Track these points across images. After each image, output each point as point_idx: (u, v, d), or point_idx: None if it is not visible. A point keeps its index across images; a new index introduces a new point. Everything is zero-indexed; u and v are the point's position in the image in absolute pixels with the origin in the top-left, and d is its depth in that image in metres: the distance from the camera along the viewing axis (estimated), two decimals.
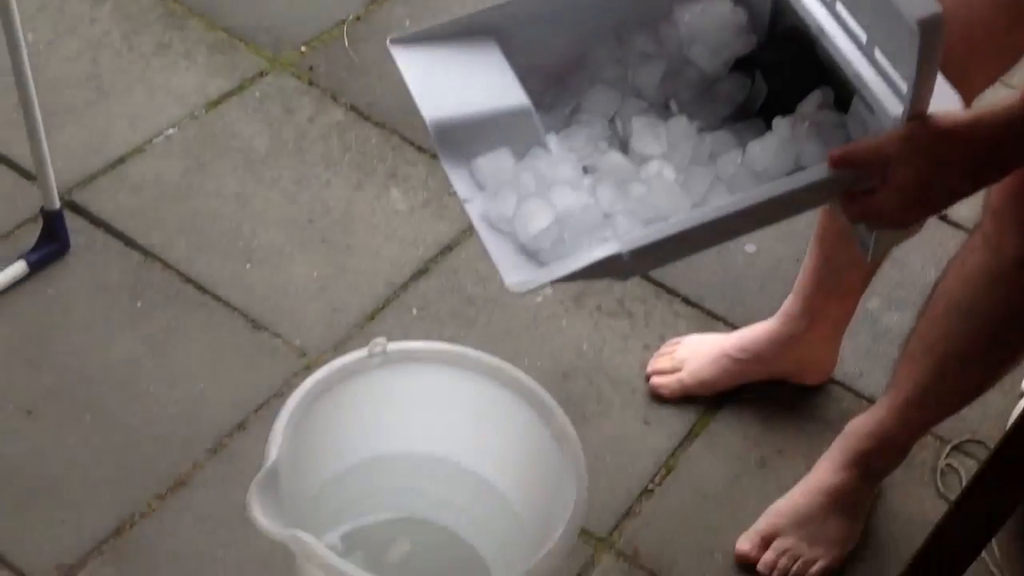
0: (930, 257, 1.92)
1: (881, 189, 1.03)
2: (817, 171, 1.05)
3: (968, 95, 1.16)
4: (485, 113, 1.12)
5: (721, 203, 1.06)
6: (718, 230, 1.06)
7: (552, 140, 1.14)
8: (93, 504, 1.45)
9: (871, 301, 1.89)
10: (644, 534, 1.54)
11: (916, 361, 1.46)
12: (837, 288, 1.62)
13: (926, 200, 1.04)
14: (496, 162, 1.11)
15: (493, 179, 1.10)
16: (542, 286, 1.04)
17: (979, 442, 1.75)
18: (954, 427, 1.74)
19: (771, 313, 1.71)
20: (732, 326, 1.81)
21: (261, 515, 1.12)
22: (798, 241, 1.87)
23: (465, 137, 1.11)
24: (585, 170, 1.13)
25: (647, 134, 1.14)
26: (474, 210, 1.08)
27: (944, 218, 1.98)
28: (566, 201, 1.07)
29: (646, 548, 1.53)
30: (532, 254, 1.06)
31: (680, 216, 1.05)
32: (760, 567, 1.52)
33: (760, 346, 1.70)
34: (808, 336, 1.68)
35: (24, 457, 1.48)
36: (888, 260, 1.64)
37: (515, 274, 1.03)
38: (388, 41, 1.14)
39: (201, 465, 1.51)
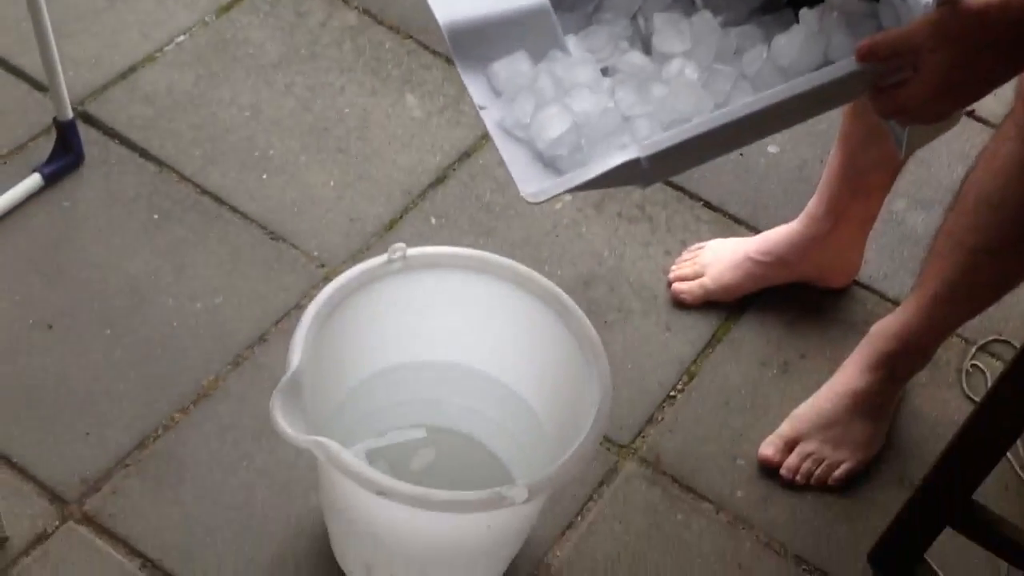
0: (957, 155, 1.89)
1: (912, 81, 0.98)
2: (844, 65, 1.01)
3: None
4: (501, 14, 1.08)
5: (743, 102, 1.02)
6: (740, 131, 1.02)
7: (571, 41, 1.11)
8: (116, 417, 1.45)
9: (896, 202, 1.87)
10: (666, 441, 1.54)
11: (944, 258, 1.44)
12: (862, 188, 1.60)
13: (960, 89, 0.99)
14: (513, 66, 1.07)
15: (510, 84, 1.06)
16: (558, 195, 1.01)
17: (1005, 342, 1.73)
18: (980, 327, 1.72)
19: (794, 216, 1.68)
20: (755, 230, 1.79)
21: (284, 422, 1.12)
22: (822, 141, 1.84)
23: (481, 40, 1.08)
24: (605, 72, 1.09)
25: (669, 31, 1.10)
26: (490, 117, 1.05)
27: (972, 114, 1.94)
28: (584, 105, 1.04)
29: (668, 455, 1.53)
30: (549, 161, 1.03)
31: (701, 118, 1.02)
32: (783, 471, 1.52)
33: (783, 249, 1.68)
34: (832, 238, 1.65)
35: (46, 372, 1.48)
36: (913, 159, 1.61)
37: (531, 184, 1.00)
38: None
39: (223, 378, 1.51)
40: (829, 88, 1.01)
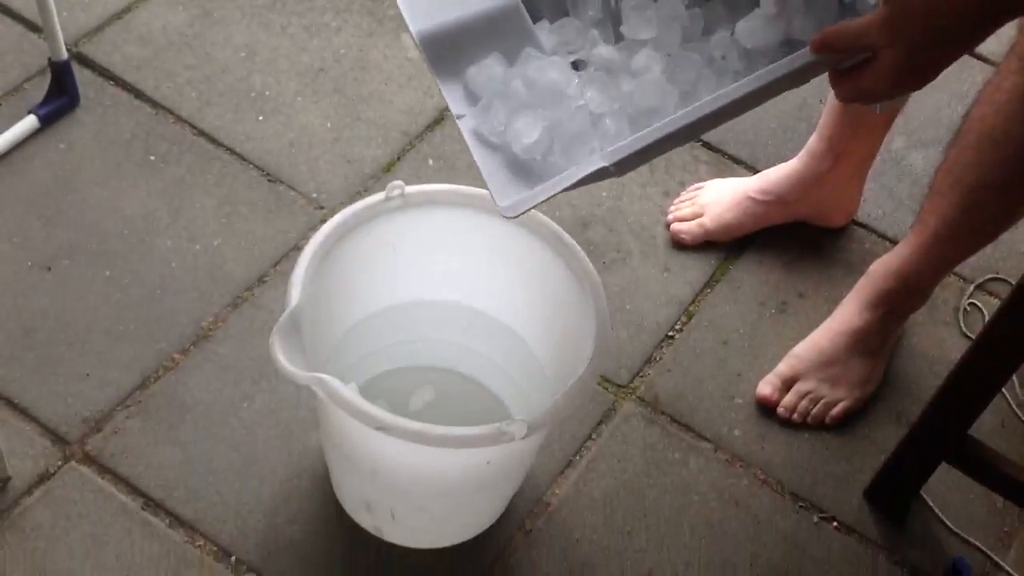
0: (957, 95, 1.88)
1: (868, 70, 0.98)
2: (801, 55, 1.01)
3: None
4: (473, 17, 1.10)
5: (703, 101, 1.04)
6: (700, 127, 1.05)
7: (544, 32, 1.12)
8: (117, 358, 1.45)
9: (896, 141, 1.86)
10: (665, 381, 1.55)
11: (944, 195, 1.44)
12: (861, 126, 1.59)
13: (916, 76, 0.99)
14: (487, 71, 1.09)
15: (485, 89, 1.09)
16: (532, 207, 1.04)
17: (1003, 280, 1.74)
18: (978, 265, 1.72)
19: (793, 155, 1.68)
20: (754, 169, 1.78)
21: (283, 359, 1.12)
22: (822, 80, 1.83)
23: (455, 46, 1.10)
24: (576, 66, 1.12)
25: (636, 19, 1.12)
26: (466, 126, 1.08)
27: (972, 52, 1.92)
28: (556, 110, 1.07)
29: (667, 394, 1.53)
30: (524, 165, 1.06)
31: (663, 119, 1.04)
32: (780, 410, 1.53)
33: (782, 187, 1.68)
34: (831, 176, 1.65)
35: (46, 313, 1.48)
36: (913, 98, 1.60)
37: (506, 196, 1.04)
38: None
39: (223, 319, 1.51)
40: (786, 79, 1.02)
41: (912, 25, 0.95)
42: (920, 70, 0.98)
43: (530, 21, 1.11)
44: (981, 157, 1.37)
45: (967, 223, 1.42)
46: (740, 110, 1.04)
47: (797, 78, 1.03)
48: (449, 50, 1.10)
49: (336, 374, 1.15)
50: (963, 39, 0.97)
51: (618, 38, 1.13)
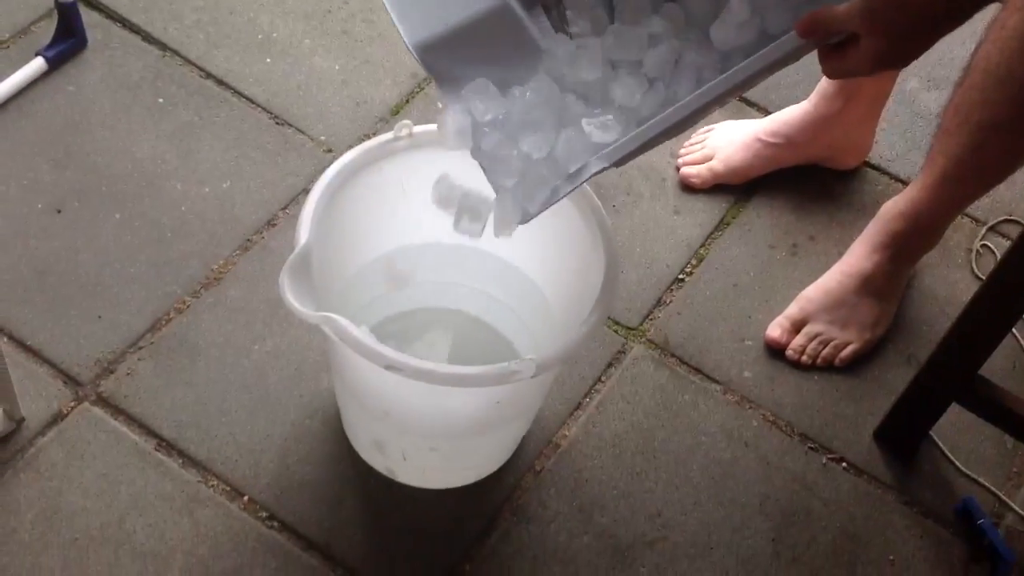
0: (970, 34, 1.82)
1: (852, 53, 0.98)
2: (786, 42, 1.01)
3: None
4: (468, 22, 1.10)
5: (696, 93, 1.06)
6: (693, 120, 1.07)
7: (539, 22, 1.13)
8: (128, 300, 1.46)
9: (909, 81, 1.85)
10: (675, 323, 1.55)
11: (952, 134, 1.42)
12: None
13: (901, 58, 1.00)
14: (484, 100, 1.11)
15: (482, 115, 1.11)
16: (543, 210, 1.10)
17: (1015, 221, 1.73)
18: (990, 207, 1.72)
19: (805, 97, 1.67)
20: (765, 111, 1.77)
21: (293, 298, 1.11)
22: None
23: (454, 52, 1.10)
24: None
25: (625, 39, 1.13)
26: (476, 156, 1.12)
27: None
28: (549, 140, 1.11)
29: (677, 337, 1.53)
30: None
31: (656, 118, 1.06)
32: (790, 351, 1.53)
33: (793, 129, 1.67)
34: (843, 117, 1.64)
35: (57, 256, 1.48)
36: None
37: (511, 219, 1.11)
38: None
39: (233, 262, 1.51)
40: (774, 65, 1.04)
41: (890, 17, 0.95)
42: (901, 54, 0.99)
43: (525, 16, 1.11)
44: (987, 96, 1.35)
45: (975, 162, 1.41)
46: (729, 99, 1.07)
47: (783, 62, 1.04)
48: (447, 57, 1.11)
49: (346, 315, 1.15)
50: (941, 26, 0.97)
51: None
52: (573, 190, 1.09)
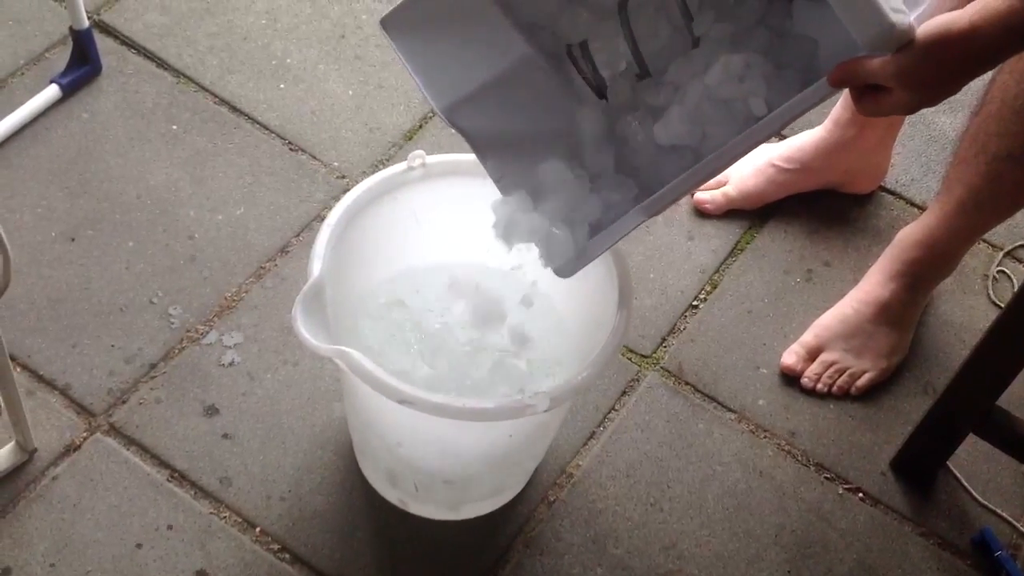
0: None
1: (885, 98, 0.98)
2: (818, 90, 1.01)
3: None
4: (492, 77, 1.11)
5: (729, 142, 1.06)
6: (726, 165, 1.08)
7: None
8: (141, 329, 1.46)
9: None
10: (689, 350, 1.54)
11: (968, 164, 1.42)
12: None
13: (936, 100, 0.99)
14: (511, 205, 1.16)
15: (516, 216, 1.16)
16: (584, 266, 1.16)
17: None
18: (1007, 232, 1.70)
19: (819, 122, 1.66)
20: (780, 136, 1.76)
21: (306, 332, 1.11)
22: None
23: (481, 110, 1.12)
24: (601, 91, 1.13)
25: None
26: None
27: None
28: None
29: (691, 364, 1.53)
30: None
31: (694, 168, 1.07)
32: (805, 380, 1.52)
33: (807, 155, 1.66)
34: (858, 143, 1.63)
35: (70, 284, 1.48)
36: None
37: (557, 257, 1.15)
38: (380, 22, 1.11)
39: (246, 289, 1.51)
40: (801, 111, 1.03)
41: (922, 72, 0.94)
42: (934, 100, 0.98)
43: (548, 66, 1.12)
44: (1004, 127, 1.35)
45: (991, 192, 1.40)
46: (760, 143, 1.06)
47: (811, 107, 1.03)
48: (475, 115, 1.12)
49: (361, 343, 1.15)
50: (973, 74, 0.96)
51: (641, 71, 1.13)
52: (614, 243, 1.13)
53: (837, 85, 0.98)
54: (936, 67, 0.93)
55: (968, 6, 0.92)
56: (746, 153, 1.07)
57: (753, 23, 1.08)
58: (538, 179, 1.16)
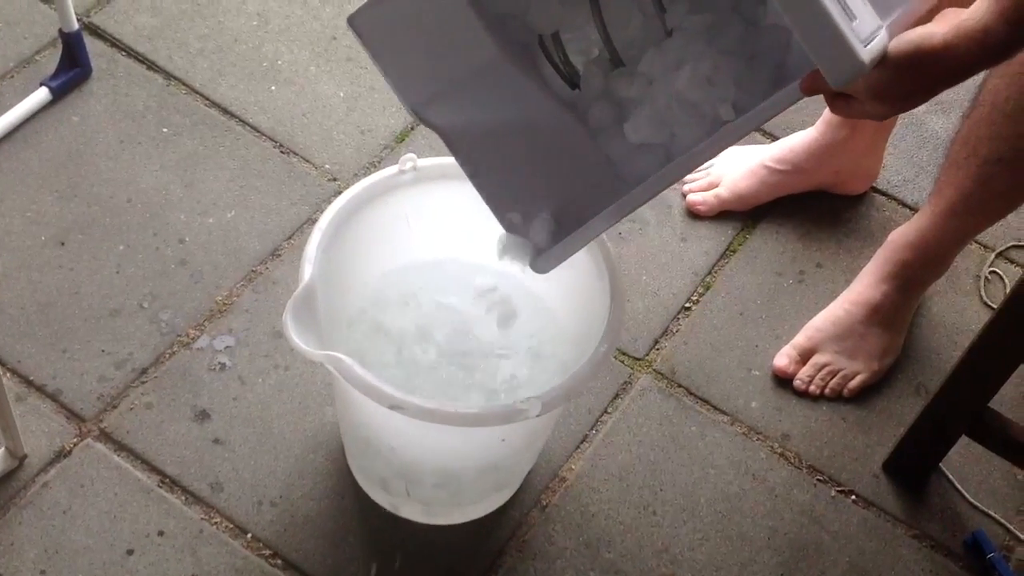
0: None
1: (856, 105, 0.98)
2: (788, 94, 1.00)
3: None
4: (464, 73, 1.10)
5: (699, 145, 1.05)
6: (696, 166, 1.08)
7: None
8: (131, 334, 1.45)
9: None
10: (681, 353, 1.54)
11: (959, 167, 1.42)
12: None
13: (906, 109, 0.99)
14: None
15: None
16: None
17: None
18: (999, 233, 1.70)
19: (811, 123, 1.66)
20: (772, 137, 1.76)
21: (297, 337, 1.11)
22: None
23: (453, 105, 1.11)
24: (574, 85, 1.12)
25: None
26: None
27: None
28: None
29: (683, 366, 1.52)
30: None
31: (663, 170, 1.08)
32: (797, 381, 1.51)
33: (799, 156, 1.66)
34: (850, 144, 1.63)
35: (60, 289, 1.48)
36: None
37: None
38: (347, 20, 1.10)
39: (237, 293, 1.51)
40: (771, 115, 1.02)
41: (895, 91, 0.94)
42: (904, 109, 0.98)
43: (517, 65, 1.11)
44: (995, 131, 1.35)
45: (982, 196, 1.40)
46: (731, 145, 1.06)
47: (782, 110, 1.02)
48: (450, 113, 1.13)
49: (352, 348, 1.14)
50: (945, 89, 0.96)
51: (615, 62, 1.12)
52: (588, 242, 1.13)
53: (808, 93, 0.97)
54: (908, 84, 0.93)
55: (942, 21, 0.92)
56: (717, 154, 1.06)
57: (726, 13, 1.07)
58: (513, 172, 1.15)
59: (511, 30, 1.12)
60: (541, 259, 1.15)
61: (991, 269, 1.69)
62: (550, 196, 1.15)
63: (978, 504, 1.45)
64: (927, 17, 0.96)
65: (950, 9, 0.96)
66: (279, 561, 1.30)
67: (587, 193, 1.13)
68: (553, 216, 1.15)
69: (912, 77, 0.92)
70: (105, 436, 1.37)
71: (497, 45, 1.08)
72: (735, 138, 1.04)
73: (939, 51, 0.90)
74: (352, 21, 1.10)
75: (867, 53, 0.88)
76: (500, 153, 1.16)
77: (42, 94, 1.65)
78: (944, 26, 0.91)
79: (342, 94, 1.74)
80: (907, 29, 0.94)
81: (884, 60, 0.91)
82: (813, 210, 1.70)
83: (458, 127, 1.12)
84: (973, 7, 0.91)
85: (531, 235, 1.15)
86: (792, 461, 1.46)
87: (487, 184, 1.16)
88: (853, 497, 1.44)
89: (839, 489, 1.45)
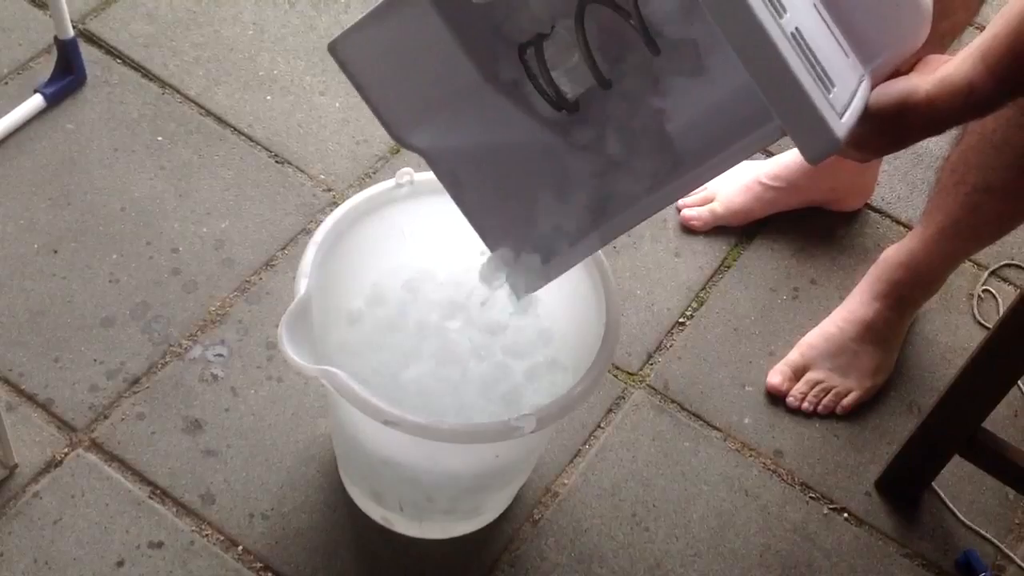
0: None
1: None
2: (768, 133, 0.98)
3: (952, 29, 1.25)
4: (447, 98, 1.09)
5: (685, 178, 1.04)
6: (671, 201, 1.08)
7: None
8: (124, 343, 1.44)
9: None
10: (675, 368, 1.54)
11: (948, 193, 1.43)
12: None
13: (882, 155, 0.99)
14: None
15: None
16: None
17: (1018, 266, 1.72)
18: (992, 252, 1.71)
19: None
20: (767, 153, 1.76)
21: (291, 351, 1.11)
22: None
23: (437, 129, 1.10)
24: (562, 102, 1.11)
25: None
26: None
27: None
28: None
29: (677, 382, 1.52)
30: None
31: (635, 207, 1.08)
32: (790, 398, 1.52)
33: (794, 173, 1.66)
34: (845, 162, 1.60)
35: (52, 297, 1.47)
36: None
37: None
38: (327, 48, 1.08)
39: (231, 304, 1.50)
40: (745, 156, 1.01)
41: (875, 143, 0.95)
42: (882, 155, 1.02)
43: (493, 89, 1.09)
44: (982, 160, 1.36)
45: (971, 222, 1.42)
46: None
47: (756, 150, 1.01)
48: (437, 139, 1.12)
49: (346, 362, 1.14)
50: (926, 138, 0.97)
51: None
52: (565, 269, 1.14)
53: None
54: (889, 136, 0.94)
55: (925, 70, 0.92)
56: (712, 178, 1.05)
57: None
58: (498, 194, 1.15)
59: (492, 53, 1.11)
60: (522, 285, 1.16)
61: (984, 288, 1.69)
62: (534, 218, 1.15)
63: (970, 523, 1.45)
64: (911, 61, 0.96)
65: (933, 57, 0.96)
66: (270, 574, 1.29)
67: (572, 216, 1.13)
68: (538, 242, 1.14)
69: (893, 130, 0.93)
70: (96, 446, 1.36)
71: (478, 69, 1.08)
72: (713, 174, 1.02)
73: (922, 107, 0.90)
74: (333, 48, 1.09)
75: (844, 127, 0.86)
76: (485, 174, 1.15)
77: (36, 101, 1.64)
78: (928, 80, 0.91)
79: (337, 104, 1.73)
80: (893, 68, 0.94)
81: (866, 112, 0.91)
82: (807, 226, 1.70)
83: (441, 149, 1.12)
84: (958, 60, 0.91)
85: (516, 268, 1.15)
86: (785, 478, 1.46)
87: (472, 205, 1.15)
88: (845, 515, 1.44)
89: (831, 506, 1.45)
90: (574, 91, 1.11)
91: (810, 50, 0.85)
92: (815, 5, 0.91)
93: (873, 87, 0.95)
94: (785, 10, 0.84)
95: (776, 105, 0.84)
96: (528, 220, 1.14)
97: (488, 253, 1.17)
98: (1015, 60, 0.86)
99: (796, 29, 0.85)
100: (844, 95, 0.88)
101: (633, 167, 1.08)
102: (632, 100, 1.08)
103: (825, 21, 0.92)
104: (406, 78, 1.10)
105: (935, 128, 0.93)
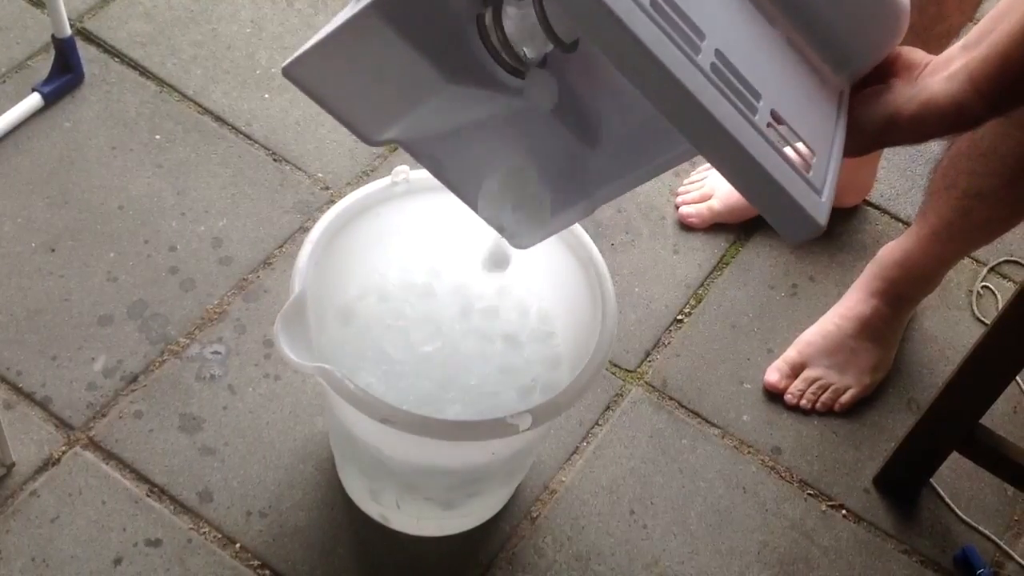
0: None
1: None
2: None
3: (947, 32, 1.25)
4: (414, 103, 1.06)
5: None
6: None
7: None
8: (121, 342, 1.44)
9: None
10: (673, 365, 1.54)
11: (940, 196, 1.44)
12: None
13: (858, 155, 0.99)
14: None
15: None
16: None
17: (1017, 263, 1.72)
18: (991, 248, 1.71)
19: None
20: None
21: (288, 349, 1.10)
22: None
23: (408, 124, 1.07)
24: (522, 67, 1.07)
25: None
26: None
27: None
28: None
29: (675, 379, 1.52)
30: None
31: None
32: (788, 396, 1.51)
33: None
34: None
35: (50, 296, 1.47)
36: None
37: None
38: (282, 72, 1.05)
39: (228, 302, 1.50)
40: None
41: (860, 152, 0.94)
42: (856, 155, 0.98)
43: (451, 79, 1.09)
44: (972, 166, 1.36)
45: (962, 225, 1.42)
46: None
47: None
48: (410, 131, 1.09)
49: (343, 359, 1.13)
50: (895, 144, 0.96)
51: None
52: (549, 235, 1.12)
53: None
54: (872, 149, 0.94)
55: (909, 88, 0.91)
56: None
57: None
58: (480, 164, 1.14)
59: (452, 49, 1.10)
60: (519, 238, 1.14)
61: (983, 284, 1.69)
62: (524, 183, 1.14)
63: (968, 520, 1.45)
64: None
65: (912, 52, 0.95)
66: (268, 572, 1.29)
67: (558, 178, 1.11)
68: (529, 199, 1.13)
69: (876, 146, 0.93)
70: (94, 444, 1.36)
71: (441, 72, 1.07)
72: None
73: (906, 127, 0.90)
74: (287, 72, 1.07)
75: (824, 209, 0.83)
76: (463, 149, 1.14)
77: (34, 100, 1.64)
78: (913, 102, 0.89)
79: None
80: (872, 67, 0.93)
81: (849, 127, 0.91)
82: None
83: (415, 138, 1.11)
84: (943, 81, 0.88)
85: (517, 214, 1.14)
86: (783, 475, 1.46)
87: (457, 180, 1.13)
88: (844, 511, 1.44)
89: (830, 503, 1.44)
90: (535, 55, 1.09)
91: (778, 121, 0.81)
92: (770, 31, 0.89)
93: (852, 83, 0.94)
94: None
95: (752, 196, 0.81)
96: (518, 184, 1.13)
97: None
98: (1007, 84, 0.85)
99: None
100: (822, 171, 0.85)
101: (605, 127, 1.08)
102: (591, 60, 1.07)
103: (790, 42, 0.90)
104: (367, 89, 1.08)
105: (917, 142, 0.93)
